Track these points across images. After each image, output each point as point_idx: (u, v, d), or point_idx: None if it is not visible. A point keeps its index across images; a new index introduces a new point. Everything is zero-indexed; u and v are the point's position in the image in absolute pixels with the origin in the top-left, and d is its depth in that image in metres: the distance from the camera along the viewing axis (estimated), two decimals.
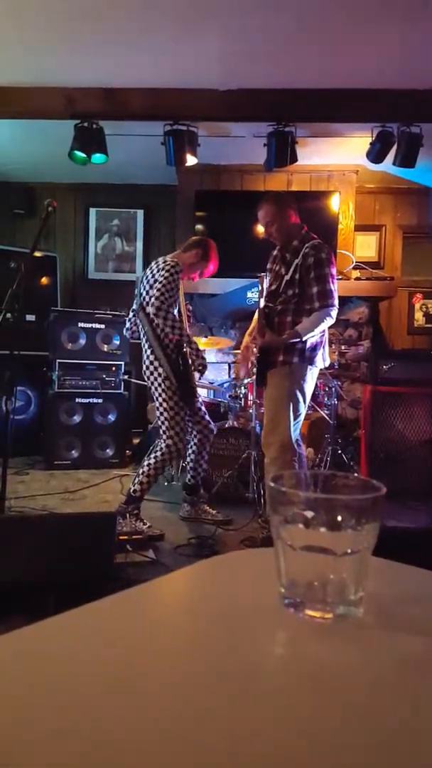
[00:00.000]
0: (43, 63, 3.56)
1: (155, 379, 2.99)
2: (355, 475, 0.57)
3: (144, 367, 3.05)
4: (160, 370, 2.95)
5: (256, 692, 0.39)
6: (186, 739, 0.34)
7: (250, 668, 0.42)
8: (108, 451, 4.53)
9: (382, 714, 0.37)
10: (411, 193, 5.34)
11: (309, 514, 0.49)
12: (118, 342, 4.62)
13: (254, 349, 3.01)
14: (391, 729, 0.36)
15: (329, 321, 2.80)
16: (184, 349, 2.98)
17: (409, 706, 0.39)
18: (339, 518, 0.48)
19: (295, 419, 2.81)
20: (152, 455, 2.98)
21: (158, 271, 2.99)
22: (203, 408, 3.20)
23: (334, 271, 2.83)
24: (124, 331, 3.24)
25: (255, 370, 3.00)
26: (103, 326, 4.60)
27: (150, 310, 2.91)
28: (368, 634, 0.48)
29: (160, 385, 2.97)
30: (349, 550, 0.48)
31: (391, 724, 0.37)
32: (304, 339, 2.75)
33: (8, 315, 2.64)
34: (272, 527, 0.51)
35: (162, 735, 0.34)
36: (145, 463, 2.97)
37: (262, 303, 2.92)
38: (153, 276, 3.01)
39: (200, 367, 3.07)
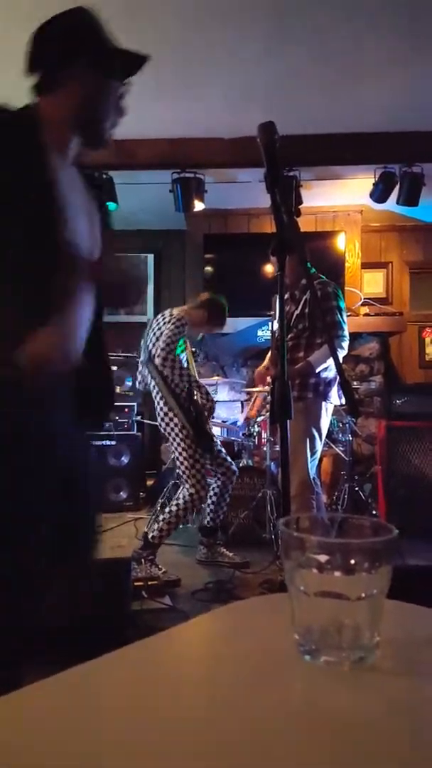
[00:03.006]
0: None
1: (172, 429, 2.99)
2: (374, 513, 0.57)
3: (159, 419, 3.05)
4: (176, 420, 2.96)
5: (274, 742, 0.39)
6: None
7: (268, 718, 0.42)
8: (122, 494, 4.51)
9: (402, 761, 0.37)
10: (416, 230, 5.42)
11: (322, 558, 0.49)
12: (130, 383, 4.66)
13: (269, 383, 3.04)
14: None
15: (341, 352, 2.83)
16: (195, 397, 3.00)
17: (429, 753, 0.38)
18: (352, 562, 0.48)
19: (311, 456, 2.80)
20: (174, 503, 2.96)
21: (164, 324, 3.03)
22: (223, 450, 3.20)
23: (342, 304, 2.89)
24: (137, 384, 3.31)
25: (268, 407, 3.01)
26: (115, 368, 4.65)
27: (158, 361, 2.95)
28: (385, 679, 0.47)
29: (177, 434, 2.97)
30: (363, 594, 0.48)
31: None
32: (317, 371, 2.78)
33: None
34: (285, 573, 0.51)
35: None
36: (167, 510, 2.95)
37: (275, 327, 2.96)
38: (159, 328, 3.05)
39: (209, 410, 3.08)
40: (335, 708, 0.44)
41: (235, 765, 0.36)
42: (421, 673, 0.48)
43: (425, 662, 0.50)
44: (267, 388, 3.35)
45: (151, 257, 5.76)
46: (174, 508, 2.92)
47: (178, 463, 3.02)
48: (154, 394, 3.07)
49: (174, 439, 2.99)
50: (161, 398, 3.00)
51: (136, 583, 2.53)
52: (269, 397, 3.05)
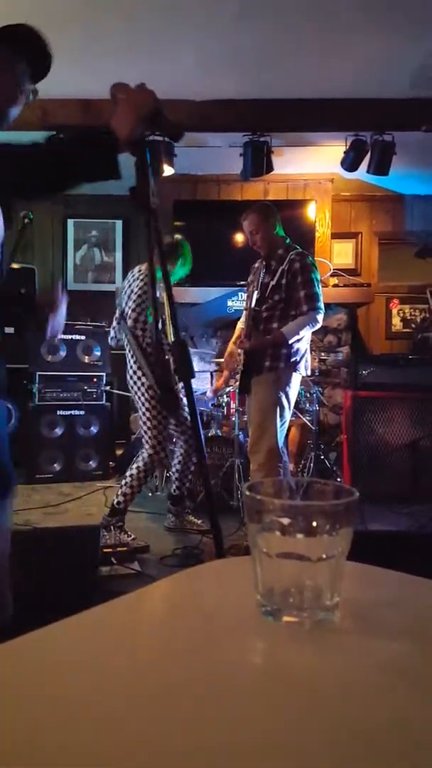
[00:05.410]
0: None
1: (138, 388, 2.99)
2: (338, 480, 0.57)
3: (128, 377, 3.05)
4: (144, 379, 2.95)
5: (236, 700, 0.40)
6: (167, 748, 0.34)
7: (230, 676, 0.43)
8: (91, 463, 4.49)
9: (362, 719, 0.38)
10: (386, 200, 5.42)
11: (285, 521, 0.49)
12: (99, 353, 4.60)
13: (239, 356, 3.04)
14: (370, 734, 0.36)
15: (315, 325, 2.84)
16: (166, 357, 2.97)
17: (388, 711, 0.39)
18: (314, 524, 0.49)
19: (281, 425, 2.83)
20: (134, 465, 2.97)
21: (134, 280, 3.01)
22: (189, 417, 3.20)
23: (318, 277, 2.89)
24: (109, 340, 3.30)
25: (238, 377, 3.02)
26: (83, 337, 4.58)
27: (130, 323, 2.93)
28: (345, 639, 0.48)
29: (143, 394, 2.97)
30: (324, 556, 0.48)
31: (370, 728, 0.37)
32: (289, 342, 2.78)
33: None
34: (249, 535, 0.52)
35: (144, 744, 0.35)
36: (128, 473, 2.96)
37: (252, 304, 2.95)
38: (130, 285, 3.03)
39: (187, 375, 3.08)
40: (296, 666, 0.45)
41: (198, 724, 0.37)
42: (379, 632, 0.50)
43: (383, 621, 0.52)
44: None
45: (119, 223, 5.63)
46: (134, 471, 2.93)
47: (141, 423, 3.02)
48: (126, 352, 3.05)
49: (140, 399, 2.99)
50: (132, 355, 3.00)
51: (105, 550, 2.55)
52: (240, 367, 3.05)
